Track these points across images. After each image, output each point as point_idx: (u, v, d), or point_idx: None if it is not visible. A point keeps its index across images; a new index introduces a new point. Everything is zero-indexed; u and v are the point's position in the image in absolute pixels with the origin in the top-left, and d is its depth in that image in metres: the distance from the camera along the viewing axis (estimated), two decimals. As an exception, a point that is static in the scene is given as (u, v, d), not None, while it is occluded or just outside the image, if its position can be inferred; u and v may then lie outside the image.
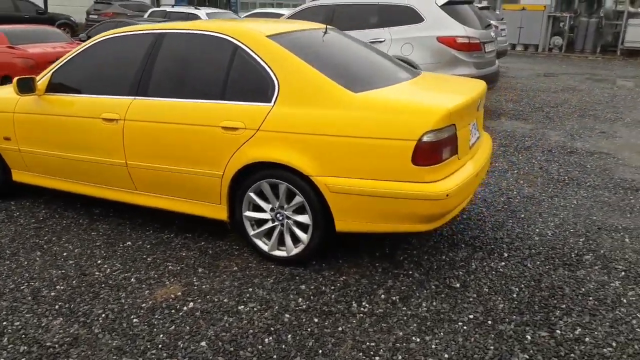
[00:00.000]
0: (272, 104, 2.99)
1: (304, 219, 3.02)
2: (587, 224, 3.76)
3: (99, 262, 3.24)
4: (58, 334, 2.54)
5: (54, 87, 3.72)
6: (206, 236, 3.56)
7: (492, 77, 7.35)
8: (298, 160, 2.89)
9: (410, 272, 3.10)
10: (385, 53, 4.00)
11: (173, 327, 2.60)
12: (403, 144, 2.71)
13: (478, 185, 3.43)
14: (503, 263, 3.20)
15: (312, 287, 2.94)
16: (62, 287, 2.95)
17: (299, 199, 2.97)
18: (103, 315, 2.69)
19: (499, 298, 2.83)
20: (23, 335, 2.53)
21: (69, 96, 3.65)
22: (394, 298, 2.83)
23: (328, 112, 2.86)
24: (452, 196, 2.77)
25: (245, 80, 3.10)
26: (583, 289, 2.91)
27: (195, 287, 2.94)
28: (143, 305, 2.78)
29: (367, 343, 2.46)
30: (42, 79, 3.75)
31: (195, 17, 12.78)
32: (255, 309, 2.74)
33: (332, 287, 2.93)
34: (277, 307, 2.75)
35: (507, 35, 13.74)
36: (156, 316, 2.68)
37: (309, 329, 2.57)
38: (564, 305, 2.75)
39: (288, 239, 3.10)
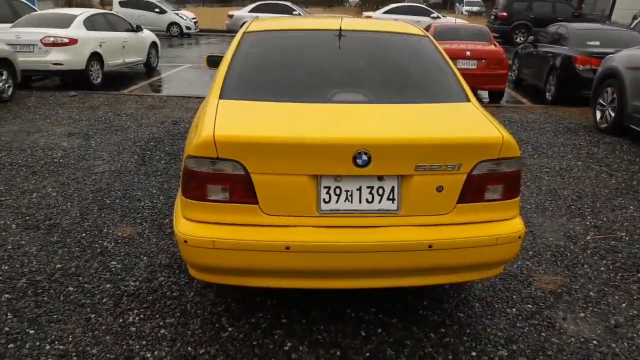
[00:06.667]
0: None
1: None
2: None
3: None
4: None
5: None
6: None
7: None
8: None
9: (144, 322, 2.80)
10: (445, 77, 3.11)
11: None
12: (185, 161, 2.38)
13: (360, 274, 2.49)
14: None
15: (125, 281, 3.16)
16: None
17: None
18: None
19: None
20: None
21: None
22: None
23: (201, 107, 2.86)
24: (197, 247, 2.32)
25: None
26: None
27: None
28: (103, 230, 3.81)
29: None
30: None
31: None
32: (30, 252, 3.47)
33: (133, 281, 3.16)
34: (24, 262, 3.32)
35: None
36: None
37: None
38: None
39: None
